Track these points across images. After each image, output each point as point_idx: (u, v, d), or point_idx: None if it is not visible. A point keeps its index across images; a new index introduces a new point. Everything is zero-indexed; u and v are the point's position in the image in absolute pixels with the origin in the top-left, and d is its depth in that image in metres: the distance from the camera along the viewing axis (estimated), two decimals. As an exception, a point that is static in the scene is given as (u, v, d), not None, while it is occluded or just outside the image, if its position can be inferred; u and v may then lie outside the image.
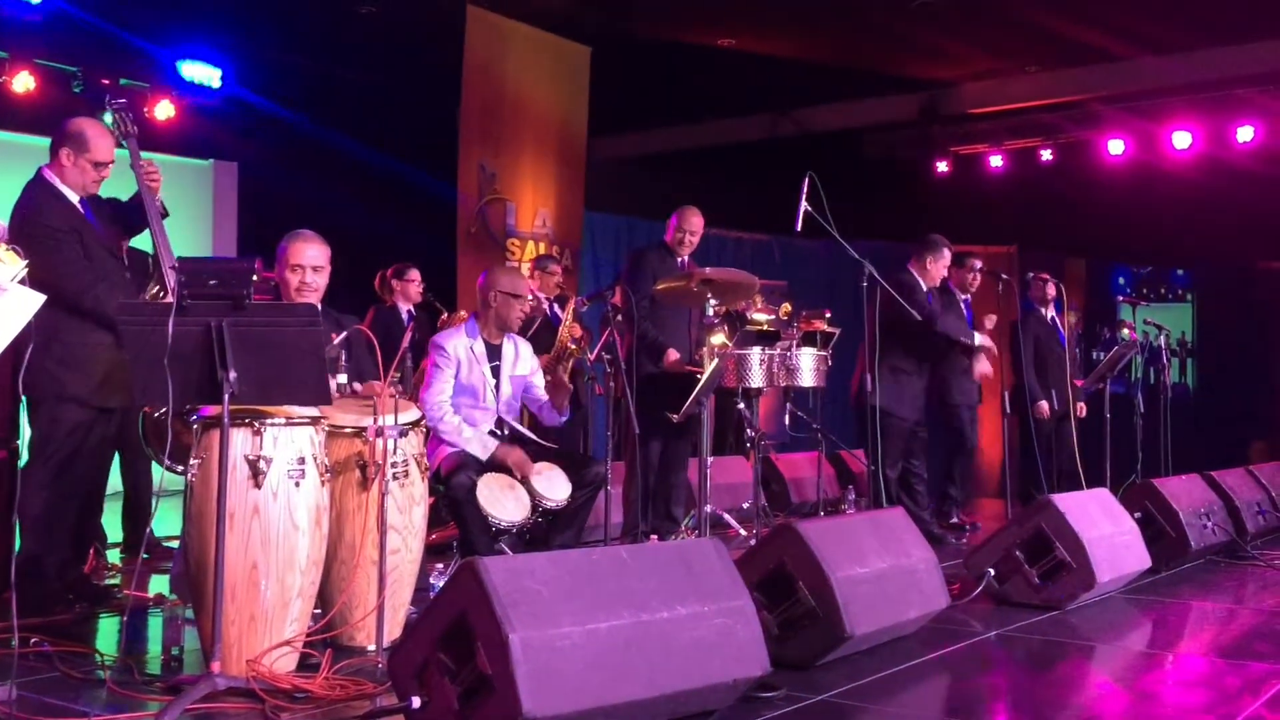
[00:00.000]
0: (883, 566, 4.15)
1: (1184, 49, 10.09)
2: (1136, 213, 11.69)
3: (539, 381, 5.36)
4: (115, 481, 5.70)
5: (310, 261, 4.24)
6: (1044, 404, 7.56)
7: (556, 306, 7.38)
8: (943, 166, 12.29)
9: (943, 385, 7.15)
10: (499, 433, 5.12)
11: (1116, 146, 11.48)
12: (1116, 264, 13.27)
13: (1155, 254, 13.17)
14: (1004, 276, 7.37)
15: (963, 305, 7.33)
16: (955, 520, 7.33)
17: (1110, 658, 4.34)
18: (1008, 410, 6.94)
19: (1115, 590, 5.28)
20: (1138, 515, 5.71)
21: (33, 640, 3.78)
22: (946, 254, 6.92)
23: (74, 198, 4.47)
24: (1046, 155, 11.95)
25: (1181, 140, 11.06)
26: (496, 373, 5.15)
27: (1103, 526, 5.18)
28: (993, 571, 5.01)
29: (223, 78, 8.99)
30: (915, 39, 9.92)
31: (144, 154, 4.66)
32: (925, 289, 6.81)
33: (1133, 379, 8.74)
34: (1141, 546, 5.49)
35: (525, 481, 4.90)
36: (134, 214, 4.65)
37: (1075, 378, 7.82)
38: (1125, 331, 8.38)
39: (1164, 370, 8.74)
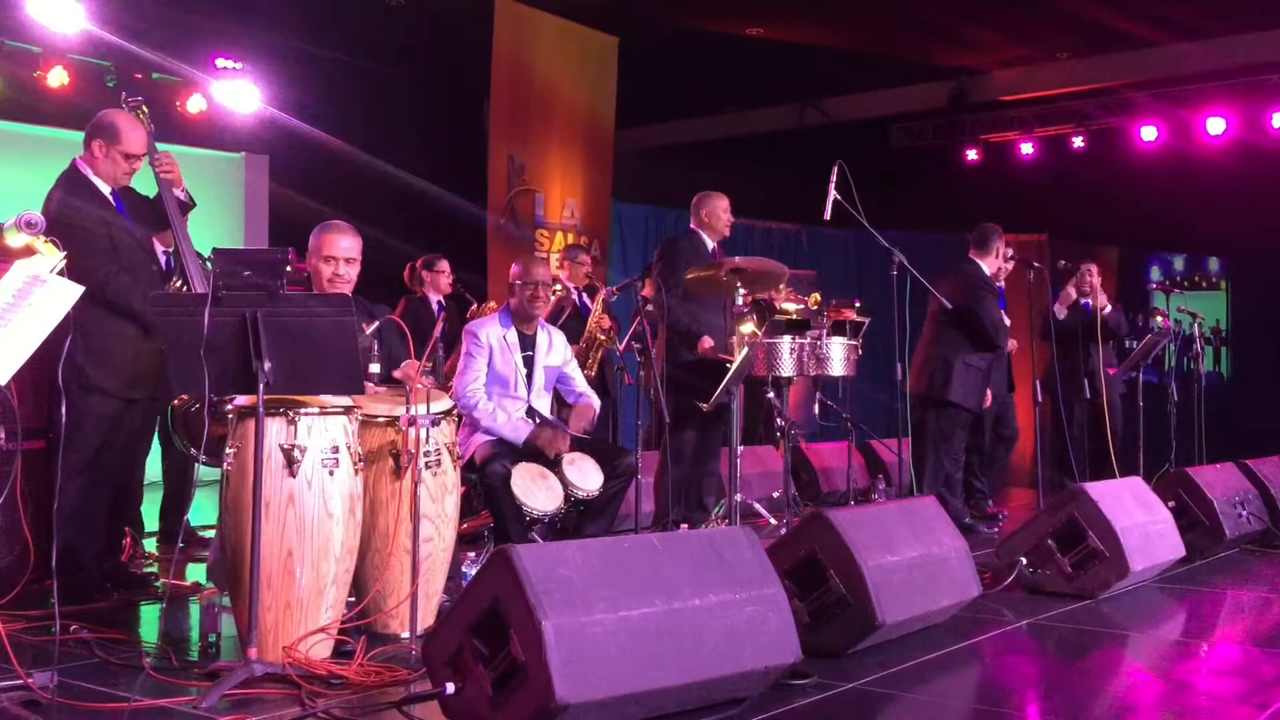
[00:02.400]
0: (914, 555, 4.14)
1: (1217, 34, 9.97)
2: (1170, 200, 11.58)
3: (573, 373, 5.38)
4: (154, 471, 5.78)
5: (343, 254, 4.26)
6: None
7: (585, 296, 7.39)
8: (972, 154, 12.21)
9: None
10: (530, 422, 5.15)
11: (1149, 133, 11.37)
12: (1149, 252, 13.15)
13: (1189, 241, 13.04)
14: (1035, 265, 7.32)
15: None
16: (987, 509, 7.30)
17: (1144, 647, 4.31)
18: (1039, 399, 6.89)
19: (1149, 579, 5.25)
20: (1171, 504, 5.67)
21: (72, 627, 3.84)
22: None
23: (105, 189, 4.53)
24: (1078, 142, 11.83)
25: (1215, 126, 10.94)
26: (529, 363, 5.18)
27: (1136, 515, 5.15)
28: (1025, 560, 5.00)
29: (250, 77, 9.01)
30: (944, 26, 9.86)
31: (177, 148, 4.70)
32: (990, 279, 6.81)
33: (1166, 367, 8.68)
34: (1175, 535, 5.45)
35: (558, 471, 4.92)
36: (159, 208, 4.70)
37: (1108, 366, 7.76)
38: (1158, 320, 8.31)
39: (1198, 358, 8.66)
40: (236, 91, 8.65)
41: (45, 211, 4.35)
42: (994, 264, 6.85)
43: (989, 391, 6.94)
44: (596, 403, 5.37)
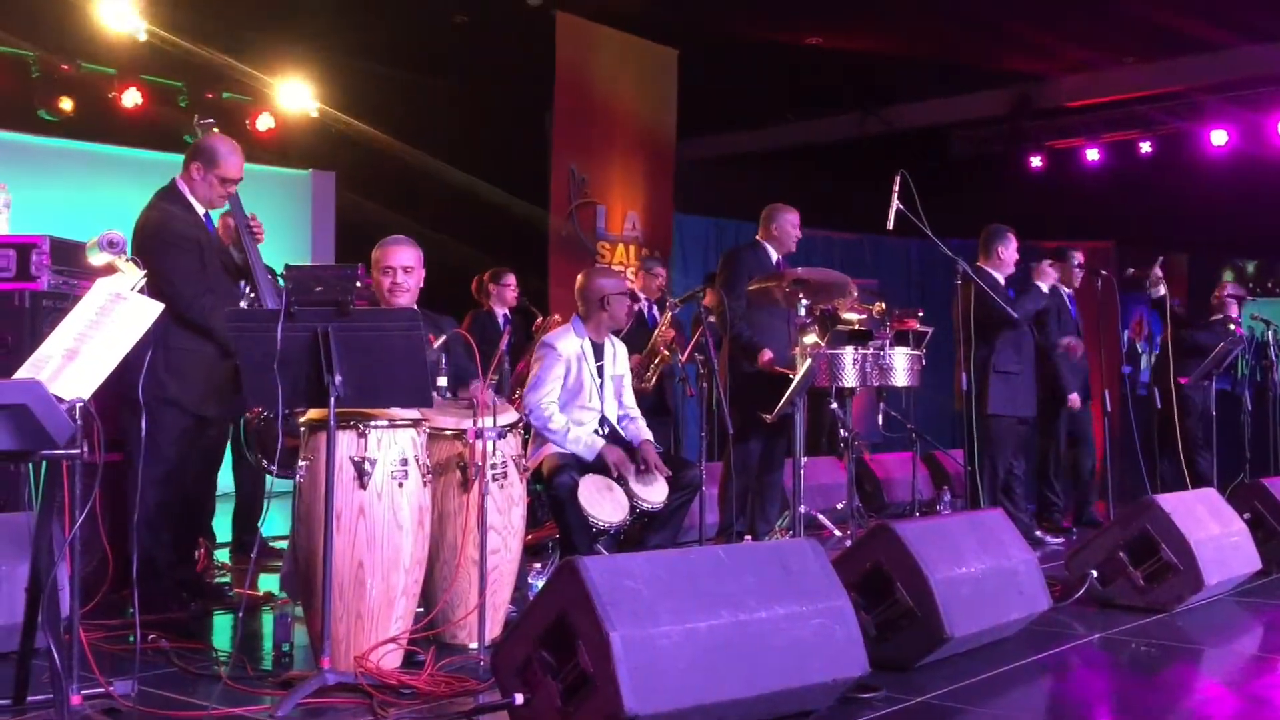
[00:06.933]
0: (982, 567, 4.10)
1: (1288, 35, 9.78)
2: (1241, 204, 11.34)
3: (626, 386, 5.41)
4: (226, 482, 5.89)
5: (399, 263, 4.32)
6: (1075, 396, 7.24)
7: (655, 309, 7.41)
8: (1036, 161, 12.07)
9: (1053, 379, 6.99)
10: (600, 432, 5.18)
11: (1219, 137, 11.15)
12: (1221, 257, 12.88)
13: (1261, 247, 12.76)
14: (1103, 273, 7.22)
15: (1067, 299, 7.20)
16: (1061, 524, 7.18)
17: (1219, 662, 4.23)
18: (1108, 409, 6.78)
19: (1224, 593, 5.14)
20: (1247, 516, 5.56)
21: (150, 637, 3.93)
22: (1013, 240, 6.78)
23: (200, 210, 4.65)
24: (1145, 148, 11.65)
25: (1287, 129, 10.72)
26: (601, 373, 5.22)
27: (1210, 527, 5.05)
28: (1095, 573, 4.93)
29: (317, 95, 9.20)
30: (1007, 31, 9.76)
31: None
32: (1003, 282, 6.67)
33: (1239, 376, 8.50)
34: (1251, 548, 5.34)
35: (624, 483, 4.95)
36: (237, 259, 4.76)
37: (1179, 375, 7.63)
38: (1230, 326, 8.14)
39: (1272, 366, 8.46)
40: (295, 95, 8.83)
41: (142, 225, 4.49)
42: (1004, 265, 6.71)
43: (1073, 396, 6.85)
44: (643, 425, 5.36)
